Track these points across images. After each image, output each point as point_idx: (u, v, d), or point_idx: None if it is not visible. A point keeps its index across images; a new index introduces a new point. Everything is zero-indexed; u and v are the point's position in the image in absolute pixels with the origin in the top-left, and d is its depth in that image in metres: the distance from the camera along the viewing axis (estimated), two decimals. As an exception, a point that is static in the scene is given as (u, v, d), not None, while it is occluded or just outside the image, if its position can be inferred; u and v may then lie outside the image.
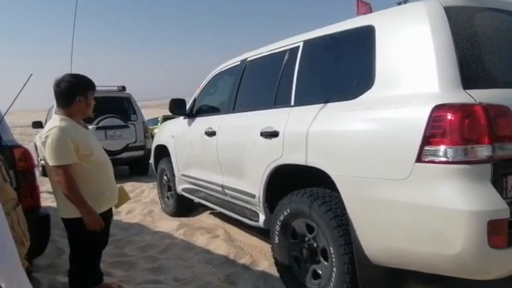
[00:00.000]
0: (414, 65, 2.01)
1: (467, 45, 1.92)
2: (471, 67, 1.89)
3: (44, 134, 2.18)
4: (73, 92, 2.21)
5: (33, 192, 2.39)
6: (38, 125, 8.62)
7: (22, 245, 1.42)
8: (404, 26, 2.13)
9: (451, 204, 1.69)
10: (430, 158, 1.76)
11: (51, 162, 2.10)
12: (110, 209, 2.50)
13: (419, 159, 1.78)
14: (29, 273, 1.56)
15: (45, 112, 9.36)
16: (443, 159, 1.72)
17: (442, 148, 1.73)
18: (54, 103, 8.04)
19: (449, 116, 1.72)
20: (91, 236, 2.19)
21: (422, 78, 1.93)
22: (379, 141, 1.96)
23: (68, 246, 2.37)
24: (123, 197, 2.57)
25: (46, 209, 2.44)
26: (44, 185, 2.28)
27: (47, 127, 2.20)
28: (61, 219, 2.24)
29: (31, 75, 2.05)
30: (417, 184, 1.79)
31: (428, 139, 1.76)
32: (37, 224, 2.28)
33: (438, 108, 1.75)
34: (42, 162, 7.50)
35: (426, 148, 1.76)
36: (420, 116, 1.79)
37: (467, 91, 1.79)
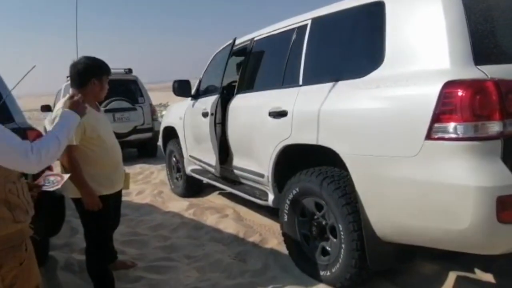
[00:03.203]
0: (425, 41, 1.98)
1: (480, 19, 1.88)
2: (483, 42, 1.86)
3: (54, 113, 2.20)
4: (88, 74, 2.22)
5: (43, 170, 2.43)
6: (47, 108, 8.68)
7: (26, 213, 1.45)
8: (414, 1, 2.09)
9: (461, 180, 1.70)
10: (440, 135, 1.76)
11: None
12: (119, 191, 2.54)
13: (428, 136, 1.78)
14: (38, 243, 1.61)
15: (52, 96, 9.41)
16: (453, 135, 1.72)
17: (452, 125, 1.72)
18: (62, 87, 8.04)
19: (460, 93, 1.71)
20: (99, 215, 2.23)
21: (433, 55, 1.91)
22: (389, 119, 1.96)
23: (81, 225, 2.44)
24: (125, 185, 2.59)
25: (60, 190, 2.49)
26: (56, 167, 2.35)
27: (58, 105, 2.22)
28: (71, 199, 2.29)
29: (34, 66, 2.05)
30: (427, 161, 1.80)
31: (438, 116, 1.75)
32: (52, 205, 2.34)
33: (449, 84, 1.74)
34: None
35: (436, 125, 1.76)
36: (431, 93, 1.78)
37: (479, 67, 1.77)
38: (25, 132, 2.41)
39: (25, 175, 1.55)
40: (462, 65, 1.81)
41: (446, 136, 1.74)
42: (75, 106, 1.65)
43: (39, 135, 2.46)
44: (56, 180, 1.67)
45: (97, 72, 2.26)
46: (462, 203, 1.70)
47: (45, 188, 1.64)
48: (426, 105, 1.78)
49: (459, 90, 1.71)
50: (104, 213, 2.25)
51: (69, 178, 2.09)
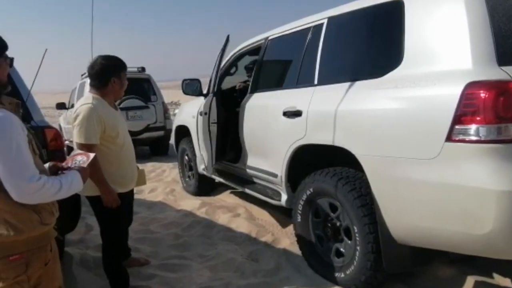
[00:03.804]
0: (446, 41, 1.94)
1: (503, 19, 1.83)
2: (507, 42, 1.81)
3: (74, 110, 2.22)
4: (107, 74, 2.25)
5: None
6: (61, 106, 8.81)
7: (52, 214, 1.46)
8: (435, 0, 2.04)
9: (483, 183, 1.66)
10: (461, 137, 1.72)
11: (77, 140, 2.15)
12: (132, 190, 2.56)
13: (449, 138, 1.74)
14: (59, 242, 1.63)
15: (66, 93, 9.54)
16: (475, 138, 1.68)
17: (474, 127, 1.68)
18: (77, 85, 8.15)
19: (483, 94, 1.67)
20: (115, 213, 2.25)
21: (454, 55, 1.87)
22: (407, 120, 1.92)
23: (95, 222, 2.46)
24: (141, 181, 2.62)
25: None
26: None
27: (78, 103, 2.24)
28: (85, 197, 2.31)
29: (46, 49, 2.06)
30: (447, 163, 1.76)
31: (460, 117, 1.71)
32: (69, 202, 2.36)
33: (471, 85, 1.70)
34: (67, 142, 7.72)
35: (457, 127, 1.72)
36: (452, 94, 1.74)
37: (502, 67, 1.73)
38: (43, 130, 2.43)
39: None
40: (484, 65, 1.76)
41: (468, 138, 1.70)
42: (83, 171, 1.58)
43: (56, 134, 2.49)
44: (83, 159, 1.69)
45: (115, 70, 2.28)
46: (484, 207, 1.66)
47: (75, 166, 1.63)
48: (447, 106, 1.75)
49: (481, 91, 1.67)
50: (120, 211, 2.27)
51: (90, 177, 2.12)
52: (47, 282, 1.43)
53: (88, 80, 5.91)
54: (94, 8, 3.24)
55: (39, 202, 1.35)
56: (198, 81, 4.24)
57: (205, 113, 3.56)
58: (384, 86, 2.09)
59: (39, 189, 1.31)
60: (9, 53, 1.42)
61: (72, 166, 1.60)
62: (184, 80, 4.21)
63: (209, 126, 3.52)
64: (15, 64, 1.59)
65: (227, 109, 4.00)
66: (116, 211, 2.25)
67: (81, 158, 1.68)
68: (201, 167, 4.56)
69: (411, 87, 1.95)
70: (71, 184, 1.44)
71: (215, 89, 3.62)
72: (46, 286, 1.43)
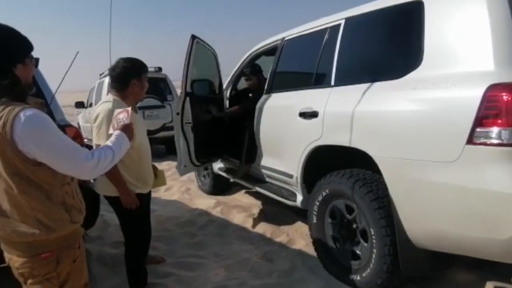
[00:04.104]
0: (467, 42, 1.91)
1: (527, 19, 1.79)
2: (531, 43, 1.76)
3: (95, 111, 2.26)
4: (128, 76, 2.27)
5: None
6: (80, 105, 8.98)
7: (80, 213, 1.51)
8: (457, 0, 2.01)
9: (504, 187, 1.63)
10: (482, 140, 1.69)
11: (97, 141, 2.19)
12: (149, 192, 2.58)
13: (470, 141, 1.71)
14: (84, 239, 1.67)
15: (84, 92, 9.72)
16: (497, 141, 1.65)
17: (495, 129, 1.65)
18: (95, 84, 8.29)
19: (505, 96, 1.63)
20: (134, 213, 2.28)
21: (476, 56, 1.83)
22: (427, 122, 1.90)
23: (113, 219, 2.49)
24: (160, 181, 2.65)
25: (93, 185, 2.57)
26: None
27: (99, 104, 2.29)
28: (104, 197, 2.36)
29: (77, 52, 2.10)
30: (467, 166, 1.73)
31: (481, 120, 1.68)
32: (89, 199, 2.42)
33: (493, 87, 1.67)
34: (85, 140, 7.87)
35: (478, 129, 1.69)
36: (473, 96, 1.71)
37: (526, 69, 1.69)
38: (64, 129, 2.49)
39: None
40: (507, 67, 1.73)
41: (489, 141, 1.67)
42: (127, 129, 1.66)
43: (77, 132, 2.55)
44: (125, 116, 1.76)
45: (136, 72, 2.31)
46: (505, 211, 1.62)
47: (119, 126, 1.69)
48: (468, 109, 1.72)
49: (504, 93, 1.64)
50: (140, 211, 2.30)
51: (107, 176, 2.15)
52: (74, 278, 1.46)
53: (106, 80, 6.01)
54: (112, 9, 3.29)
55: (101, 173, 1.45)
56: (208, 81, 4.27)
57: (177, 114, 3.56)
58: (403, 88, 2.06)
59: (96, 165, 1.38)
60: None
61: (119, 125, 1.69)
62: (193, 80, 4.26)
63: (182, 126, 3.50)
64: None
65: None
66: (136, 212, 2.28)
67: (123, 116, 1.75)
68: (216, 167, 4.59)
69: (431, 88, 1.92)
70: (121, 147, 1.53)
71: (187, 90, 3.60)
72: (73, 283, 1.46)
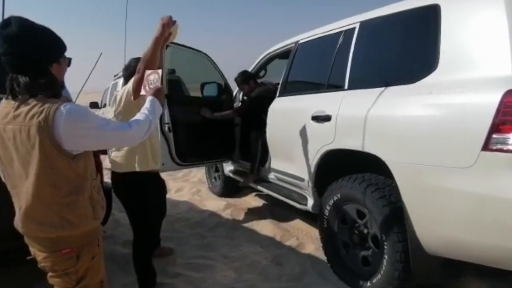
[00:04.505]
0: (484, 47, 1.88)
1: (547, 24, 1.75)
2: (551, 49, 1.73)
3: (117, 94, 2.39)
4: None
5: (98, 167, 2.56)
6: (94, 105, 9.10)
7: (102, 209, 1.54)
8: (474, 4, 1.98)
9: (521, 195, 1.59)
10: (498, 147, 1.65)
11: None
12: (164, 185, 2.72)
13: (486, 147, 1.68)
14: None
15: (98, 93, 9.86)
16: (514, 148, 1.62)
17: (513, 136, 1.62)
18: (109, 85, 8.33)
19: (523, 102, 1.60)
20: (154, 194, 2.48)
21: (493, 60, 1.80)
22: (441, 127, 1.87)
23: (123, 218, 2.51)
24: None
25: (108, 184, 2.60)
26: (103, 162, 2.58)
27: (124, 87, 2.39)
28: (127, 181, 2.37)
29: (101, 53, 2.13)
30: (483, 173, 1.70)
31: (498, 126, 1.65)
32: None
33: (510, 92, 1.64)
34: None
35: (495, 135, 1.66)
36: (490, 101, 1.68)
37: (545, 75, 1.65)
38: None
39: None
40: (525, 72, 1.69)
41: (506, 147, 1.64)
42: (159, 94, 1.72)
43: None
44: (155, 78, 1.81)
45: None
46: (522, 220, 1.59)
47: (151, 88, 1.74)
48: (484, 114, 1.69)
49: (522, 99, 1.61)
50: (160, 191, 2.48)
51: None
52: (92, 275, 1.48)
53: (120, 81, 6.10)
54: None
55: (144, 137, 1.52)
56: (217, 84, 4.29)
57: None
58: (418, 92, 2.04)
59: (137, 132, 1.47)
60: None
61: (150, 87, 1.76)
62: (203, 84, 4.29)
63: (161, 127, 3.51)
64: None
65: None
66: (156, 189, 2.48)
67: (154, 77, 1.80)
68: (227, 169, 4.60)
69: (446, 93, 1.89)
70: (155, 112, 1.61)
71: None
72: (90, 279, 1.47)
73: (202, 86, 4.32)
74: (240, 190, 4.92)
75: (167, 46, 3.42)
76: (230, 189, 4.86)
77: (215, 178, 5.12)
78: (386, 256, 2.20)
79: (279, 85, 3.55)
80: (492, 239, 1.72)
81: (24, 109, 1.29)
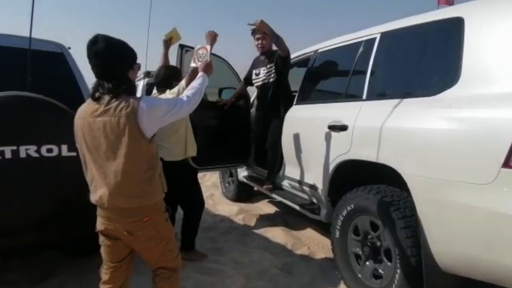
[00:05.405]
0: (507, 62, 1.84)
1: None
2: None
3: (176, 89, 2.88)
4: (169, 79, 3.01)
5: None
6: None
7: (165, 183, 1.81)
8: (499, 19, 1.95)
9: (542, 216, 1.54)
10: (519, 164, 1.61)
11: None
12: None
13: (506, 164, 1.64)
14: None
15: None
16: (536, 166, 1.57)
17: (535, 154, 1.57)
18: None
19: (548, 119, 1.56)
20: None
21: (517, 76, 1.76)
22: (461, 142, 1.84)
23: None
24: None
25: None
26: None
27: (181, 84, 2.91)
28: (171, 168, 2.49)
29: None
30: (502, 190, 1.66)
31: (520, 143, 1.61)
32: None
33: (534, 110, 1.60)
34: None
35: (516, 153, 1.61)
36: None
37: None
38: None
39: None
40: (551, 89, 1.65)
41: (527, 165, 1.59)
42: (207, 68, 2.07)
43: None
44: (204, 53, 2.07)
45: (174, 75, 3.04)
46: (542, 241, 1.54)
47: (199, 63, 2.03)
48: (506, 131, 1.65)
49: (546, 116, 1.57)
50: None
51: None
52: (169, 232, 1.86)
53: (141, 83, 6.26)
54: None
55: (196, 105, 1.89)
56: (234, 89, 4.32)
57: None
58: (437, 105, 2.01)
59: (189, 102, 1.82)
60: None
61: (199, 61, 2.07)
62: (221, 88, 4.32)
63: None
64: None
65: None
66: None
67: (202, 52, 2.07)
68: (241, 174, 4.61)
69: (467, 107, 1.86)
70: (203, 85, 1.97)
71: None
72: (170, 234, 1.86)
73: (220, 91, 4.36)
74: (253, 195, 4.93)
75: (187, 50, 3.50)
76: (243, 194, 4.87)
77: (228, 183, 5.14)
78: (398, 271, 2.16)
79: (297, 93, 3.55)
80: (509, 259, 1.67)
81: (113, 104, 1.61)
